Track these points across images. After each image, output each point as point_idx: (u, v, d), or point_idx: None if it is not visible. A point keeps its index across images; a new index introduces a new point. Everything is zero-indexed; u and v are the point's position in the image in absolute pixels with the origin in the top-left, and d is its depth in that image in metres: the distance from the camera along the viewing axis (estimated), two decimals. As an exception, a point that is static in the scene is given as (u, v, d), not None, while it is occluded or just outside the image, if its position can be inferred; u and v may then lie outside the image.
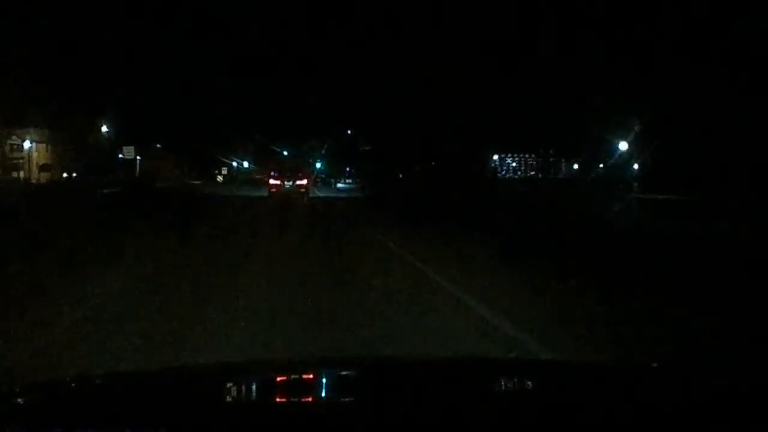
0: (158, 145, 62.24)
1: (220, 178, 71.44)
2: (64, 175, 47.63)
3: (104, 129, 47.71)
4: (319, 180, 63.23)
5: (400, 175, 61.72)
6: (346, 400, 1.75)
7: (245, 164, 76.61)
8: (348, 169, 60.24)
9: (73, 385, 1.79)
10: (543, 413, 1.50)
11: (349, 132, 68.12)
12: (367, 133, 65.83)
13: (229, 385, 1.81)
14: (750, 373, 3.77)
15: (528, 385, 1.91)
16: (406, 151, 61.55)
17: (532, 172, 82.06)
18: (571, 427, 1.41)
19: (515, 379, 1.97)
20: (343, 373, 2.02)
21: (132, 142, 50.52)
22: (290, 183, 30.33)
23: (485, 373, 2.02)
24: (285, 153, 60.50)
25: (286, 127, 70.10)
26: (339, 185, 54.23)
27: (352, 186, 53.37)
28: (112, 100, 44.86)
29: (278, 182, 30.42)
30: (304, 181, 31.01)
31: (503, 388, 1.90)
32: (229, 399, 1.72)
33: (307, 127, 68.72)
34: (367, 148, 66.59)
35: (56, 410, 1.49)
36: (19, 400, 1.59)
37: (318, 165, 66.91)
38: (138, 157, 53.80)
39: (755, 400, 1.61)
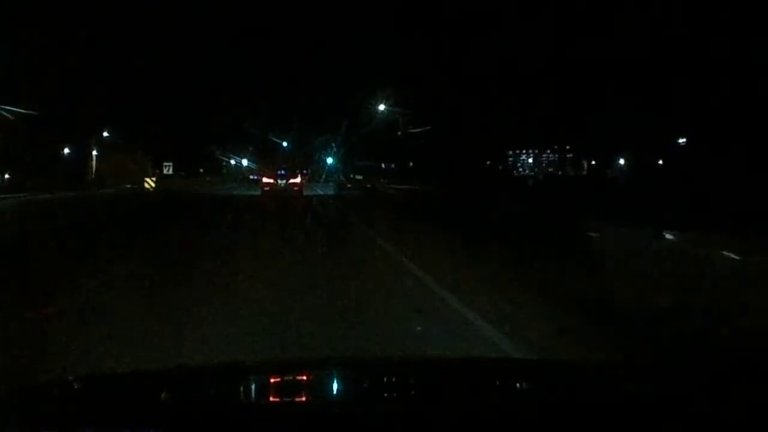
0: (105, 134, 45.14)
1: (150, 183, 40.30)
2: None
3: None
4: (343, 182, 46.21)
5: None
6: (346, 400, 1.77)
7: (244, 162, 66.30)
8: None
9: (73, 385, 1.82)
10: (542, 413, 1.51)
11: (381, 108, 42.50)
12: (409, 110, 42.38)
13: (228, 385, 1.83)
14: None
15: (528, 385, 1.93)
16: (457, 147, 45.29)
17: (551, 169, 78.03)
18: (570, 427, 1.42)
19: (515, 379, 1.99)
20: (344, 373, 2.04)
21: (82, 131, 40.17)
22: (284, 182, 32.62)
23: (485, 373, 2.04)
24: (285, 144, 56.53)
25: (290, 114, 58.39)
26: None
27: None
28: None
29: (271, 181, 32.77)
30: (298, 179, 33.87)
31: (503, 388, 1.92)
32: (228, 399, 1.73)
33: (315, 112, 57.09)
34: (416, 130, 43.61)
35: (56, 410, 1.50)
36: (19, 400, 1.59)
37: (330, 160, 53.57)
38: (94, 153, 44.85)
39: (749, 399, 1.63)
